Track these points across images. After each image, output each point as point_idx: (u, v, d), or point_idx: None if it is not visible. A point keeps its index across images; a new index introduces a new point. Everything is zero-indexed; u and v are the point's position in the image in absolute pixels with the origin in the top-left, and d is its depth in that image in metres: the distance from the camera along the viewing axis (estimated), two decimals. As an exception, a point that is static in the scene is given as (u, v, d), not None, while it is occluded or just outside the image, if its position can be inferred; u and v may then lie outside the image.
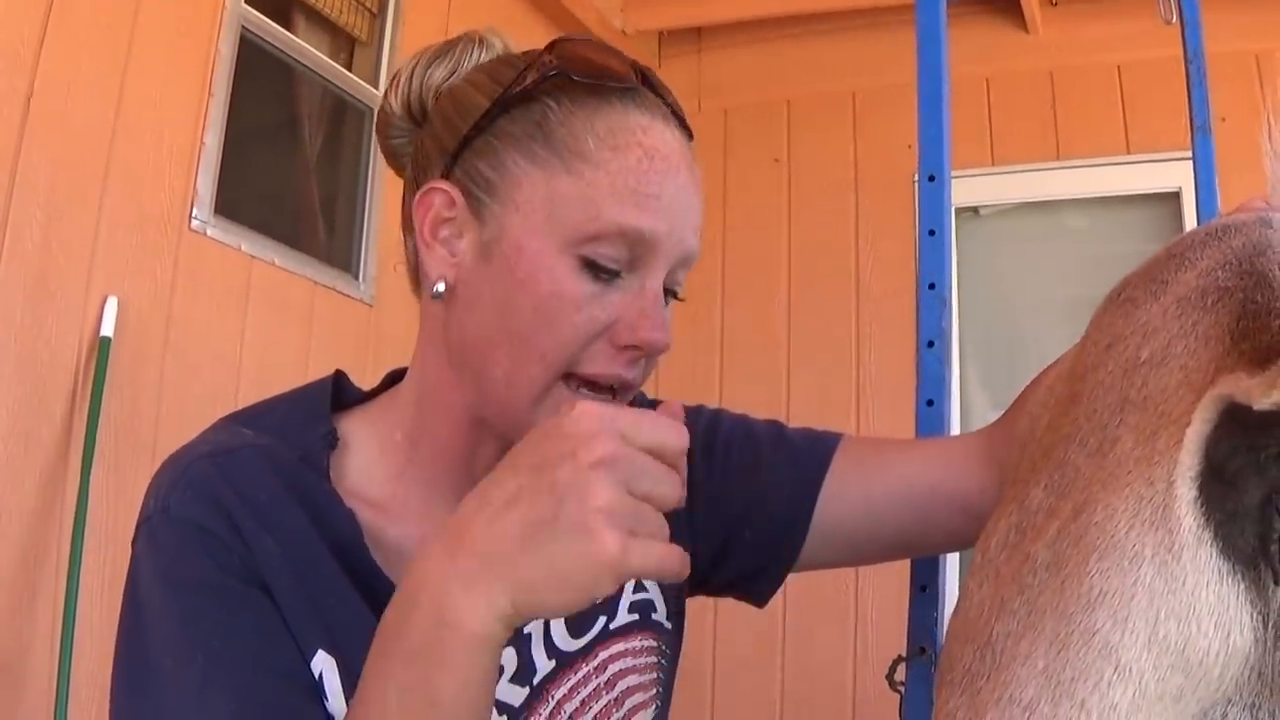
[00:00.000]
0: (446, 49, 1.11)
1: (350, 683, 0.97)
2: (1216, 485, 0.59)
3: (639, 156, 1.00)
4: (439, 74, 1.10)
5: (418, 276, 1.09)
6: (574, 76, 1.01)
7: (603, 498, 0.77)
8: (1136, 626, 0.58)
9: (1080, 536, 0.62)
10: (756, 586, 1.26)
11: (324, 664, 0.97)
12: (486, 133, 1.04)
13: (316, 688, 0.96)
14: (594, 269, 0.99)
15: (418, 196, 1.06)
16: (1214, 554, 0.58)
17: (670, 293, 1.05)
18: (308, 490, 1.02)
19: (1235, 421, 0.59)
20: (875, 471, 1.21)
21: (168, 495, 0.98)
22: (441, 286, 1.04)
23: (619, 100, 1.02)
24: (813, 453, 1.23)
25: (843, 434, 1.26)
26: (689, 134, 1.09)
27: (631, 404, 1.08)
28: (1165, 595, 0.58)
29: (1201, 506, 0.59)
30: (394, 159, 1.15)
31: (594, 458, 0.78)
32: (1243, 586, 0.57)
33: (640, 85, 1.05)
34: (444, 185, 1.04)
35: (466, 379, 1.05)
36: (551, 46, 1.04)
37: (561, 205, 0.99)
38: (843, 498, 1.20)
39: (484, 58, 1.10)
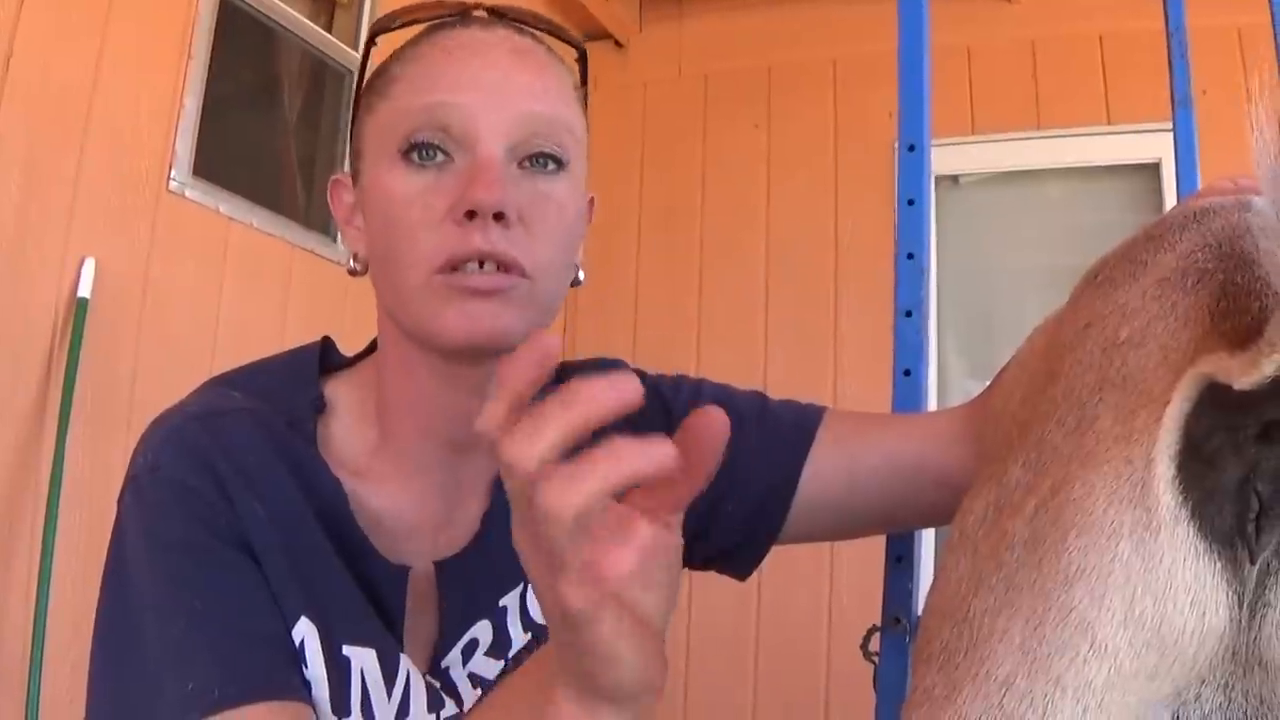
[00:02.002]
0: None
1: (330, 649, 0.98)
2: (1195, 464, 0.59)
3: (435, 57, 1.04)
4: None
5: None
6: (393, 27, 1.12)
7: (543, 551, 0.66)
8: (1113, 603, 0.58)
9: (1058, 513, 0.62)
10: (739, 560, 1.25)
11: (305, 630, 0.97)
12: (355, 122, 1.11)
13: (297, 653, 0.96)
14: (414, 160, 1.01)
15: (329, 193, 1.15)
16: (1191, 532, 0.58)
17: (546, 157, 1.04)
18: (295, 456, 1.02)
19: (1215, 400, 0.60)
20: (859, 446, 1.20)
21: (157, 454, 0.98)
22: (352, 261, 1.10)
23: (429, 33, 1.08)
24: (797, 426, 1.22)
25: (826, 407, 1.25)
26: (567, 42, 1.18)
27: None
28: (1142, 572, 0.58)
29: (1180, 485, 0.59)
30: None
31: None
32: (1219, 565, 0.58)
33: (460, 14, 1.09)
34: (340, 175, 1.13)
35: (396, 323, 1.07)
36: (374, 24, 1.15)
37: (383, 127, 1.04)
38: (827, 472, 1.20)
39: None
